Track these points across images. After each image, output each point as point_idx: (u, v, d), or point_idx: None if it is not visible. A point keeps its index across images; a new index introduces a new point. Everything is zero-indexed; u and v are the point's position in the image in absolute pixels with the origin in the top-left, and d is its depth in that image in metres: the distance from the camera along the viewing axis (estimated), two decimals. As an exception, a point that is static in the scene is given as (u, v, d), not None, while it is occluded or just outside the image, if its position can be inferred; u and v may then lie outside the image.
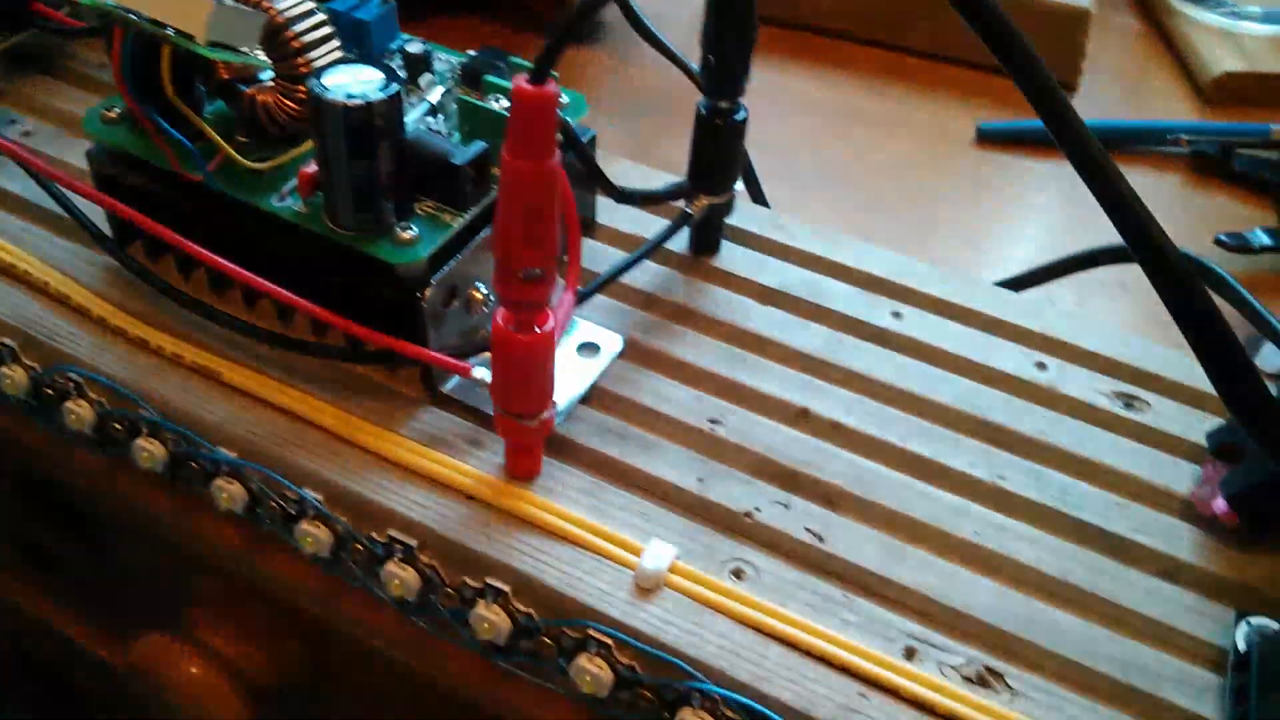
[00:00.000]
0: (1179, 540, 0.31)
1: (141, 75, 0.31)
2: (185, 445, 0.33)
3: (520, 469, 0.31)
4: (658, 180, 0.39)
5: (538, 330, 0.28)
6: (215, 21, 0.28)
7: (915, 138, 0.51)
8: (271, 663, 0.38)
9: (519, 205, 0.26)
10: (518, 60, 0.36)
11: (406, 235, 0.31)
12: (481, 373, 0.31)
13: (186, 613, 0.38)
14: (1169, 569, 0.31)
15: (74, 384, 0.35)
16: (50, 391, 0.35)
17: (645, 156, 0.48)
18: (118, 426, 0.34)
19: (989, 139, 0.51)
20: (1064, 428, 0.34)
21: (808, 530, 0.31)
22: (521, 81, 0.25)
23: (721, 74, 0.34)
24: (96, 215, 0.36)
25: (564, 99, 0.36)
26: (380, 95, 0.29)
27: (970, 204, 0.48)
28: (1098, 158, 0.26)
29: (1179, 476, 0.33)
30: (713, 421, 0.33)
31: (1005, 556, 0.30)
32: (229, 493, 0.32)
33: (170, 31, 0.28)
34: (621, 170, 0.41)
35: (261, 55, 0.31)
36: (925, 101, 0.53)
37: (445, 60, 0.37)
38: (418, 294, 0.32)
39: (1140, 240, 0.26)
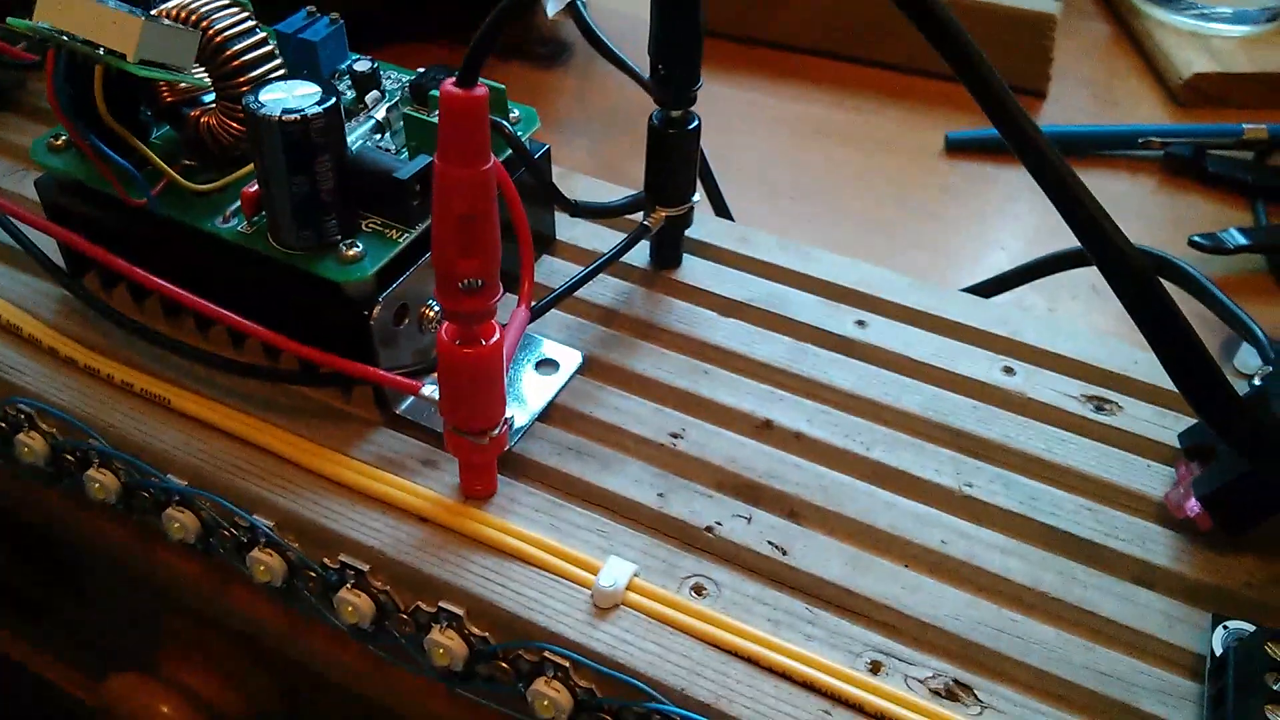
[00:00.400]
0: (1153, 544, 0.30)
1: (79, 98, 0.30)
2: (135, 474, 0.32)
3: (474, 488, 0.30)
4: (619, 195, 0.39)
5: (484, 343, 0.27)
6: (146, 40, 0.28)
7: (884, 149, 0.51)
8: (243, 697, 0.37)
9: (452, 214, 0.25)
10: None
11: (351, 252, 0.31)
12: (431, 390, 0.30)
13: (157, 651, 0.37)
14: (1143, 574, 0.30)
15: (25, 415, 0.34)
16: (3, 425, 0.35)
17: (613, 177, 0.47)
18: (69, 458, 0.34)
19: (958, 148, 0.51)
20: (1033, 432, 0.33)
21: (770, 544, 0.30)
22: (448, 85, 0.24)
23: (671, 82, 0.34)
24: (49, 246, 0.35)
25: (514, 113, 0.35)
26: (316, 109, 0.29)
27: (940, 213, 0.47)
28: (1044, 153, 0.25)
29: (1152, 479, 0.32)
30: (673, 435, 0.32)
31: (973, 565, 0.30)
32: (180, 522, 0.32)
33: (101, 51, 0.28)
34: (583, 186, 0.40)
35: (198, 74, 0.30)
36: (895, 113, 0.52)
37: (395, 79, 0.37)
38: (365, 312, 0.31)
39: (1091, 235, 0.25)
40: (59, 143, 0.34)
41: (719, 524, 0.30)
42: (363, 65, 0.36)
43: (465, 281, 0.26)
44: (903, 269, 0.38)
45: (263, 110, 0.28)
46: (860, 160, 0.50)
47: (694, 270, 0.38)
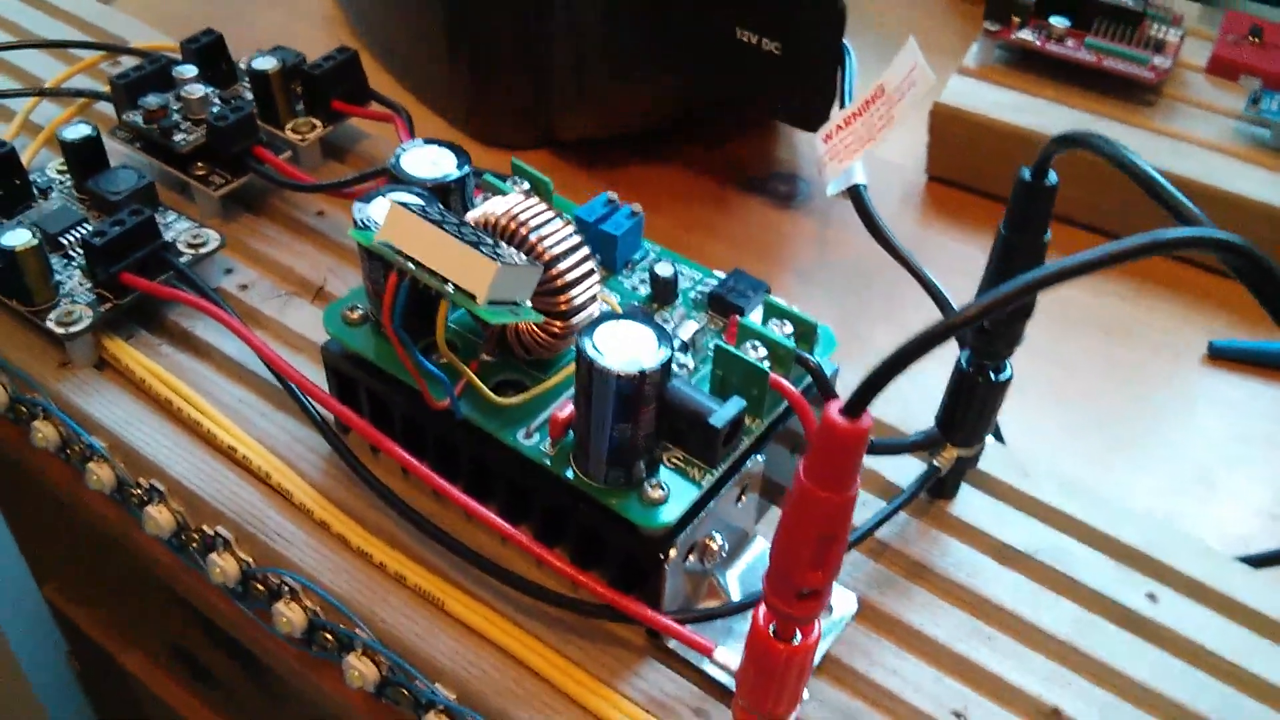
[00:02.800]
0: None
1: (404, 310, 0.30)
2: (399, 674, 0.32)
3: (753, 764, 0.29)
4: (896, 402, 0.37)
5: (801, 640, 0.26)
6: (498, 283, 0.27)
7: (1140, 345, 0.48)
8: None
9: (813, 532, 0.24)
10: (774, 300, 0.34)
11: (656, 494, 0.30)
12: (725, 657, 0.29)
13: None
14: None
15: (288, 588, 0.34)
16: (261, 588, 0.35)
17: (857, 347, 0.46)
18: (328, 637, 0.33)
19: (1221, 356, 0.48)
20: (1343, 761, 0.31)
21: None
22: (834, 412, 0.23)
23: (996, 339, 0.32)
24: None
25: (818, 336, 0.34)
26: (654, 365, 0.28)
27: (1197, 429, 0.45)
28: None
29: None
30: (955, 714, 0.31)
31: None
32: (441, 733, 0.31)
33: (451, 288, 0.27)
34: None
35: (532, 309, 0.30)
36: (1155, 304, 0.50)
37: (690, 278, 0.36)
38: (660, 555, 0.30)
39: None
40: (354, 316, 0.34)
41: (1007, 833, 0.29)
42: (664, 270, 0.35)
43: (805, 590, 0.25)
44: (1155, 489, 0.36)
45: (600, 362, 0.27)
46: (1114, 355, 0.48)
47: (970, 505, 0.36)
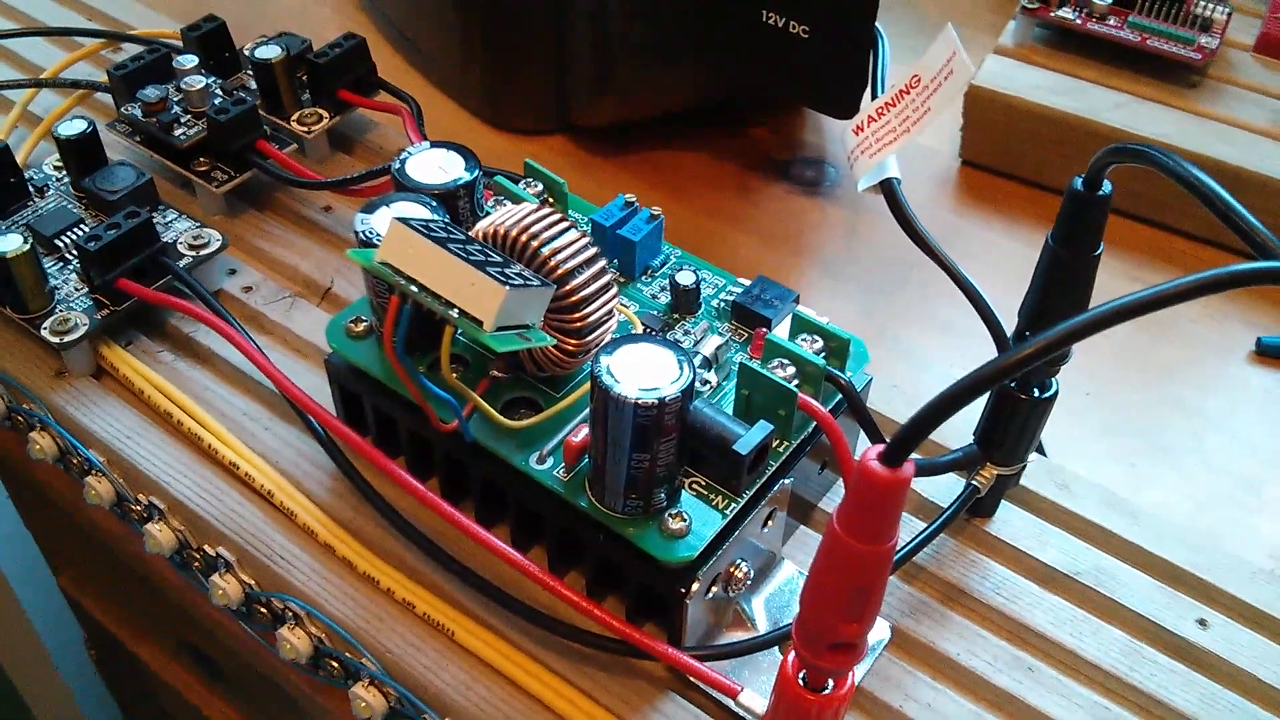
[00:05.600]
0: None
1: (408, 332, 0.28)
2: (408, 707, 0.30)
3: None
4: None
5: (833, 691, 0.25)
6: (506, 307, 0.25)
7: (1183, 341, 0.46)
8: None
9: (846, 585, 0.22)
10: (803, 313, 0.32)
11: (676, 525, 0.28)
12: (751, 700, 0.27)
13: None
14: None
15: (293, 614, 0.32)
16: (264, 611, 0.33)
17: (885, 344, 0.44)
18: (335, 665, 0.32)
19: (1270, 353, 0.46)
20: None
21: None
22: (873, 460, 0.21)
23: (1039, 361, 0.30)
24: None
25: (849, 351, 0.32)
26: (674, 392, 0.26)
27: (1242, 433, 0.43)
28: None
29: None
30: (995, 753, 0.29)
31: None
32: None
33: (456, 314, 0.25)
34: (888, 397, 0.37)
35: (544, 332, 0.28)
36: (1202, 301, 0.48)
37: (714, 285, 0.34)
38: (681, 589, 0.28)
39: None
40: (359, 329, 0.32)
41: None
42: (685, 278, 0.33)
43: (839, 642, 0.23)
44: (1204, 499, 0.34)
45: (616, 389, 0.26)
46: (1155, 352, 0.46)
47: (1010, 524, 0.34)
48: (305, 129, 0.43)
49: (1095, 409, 0.42)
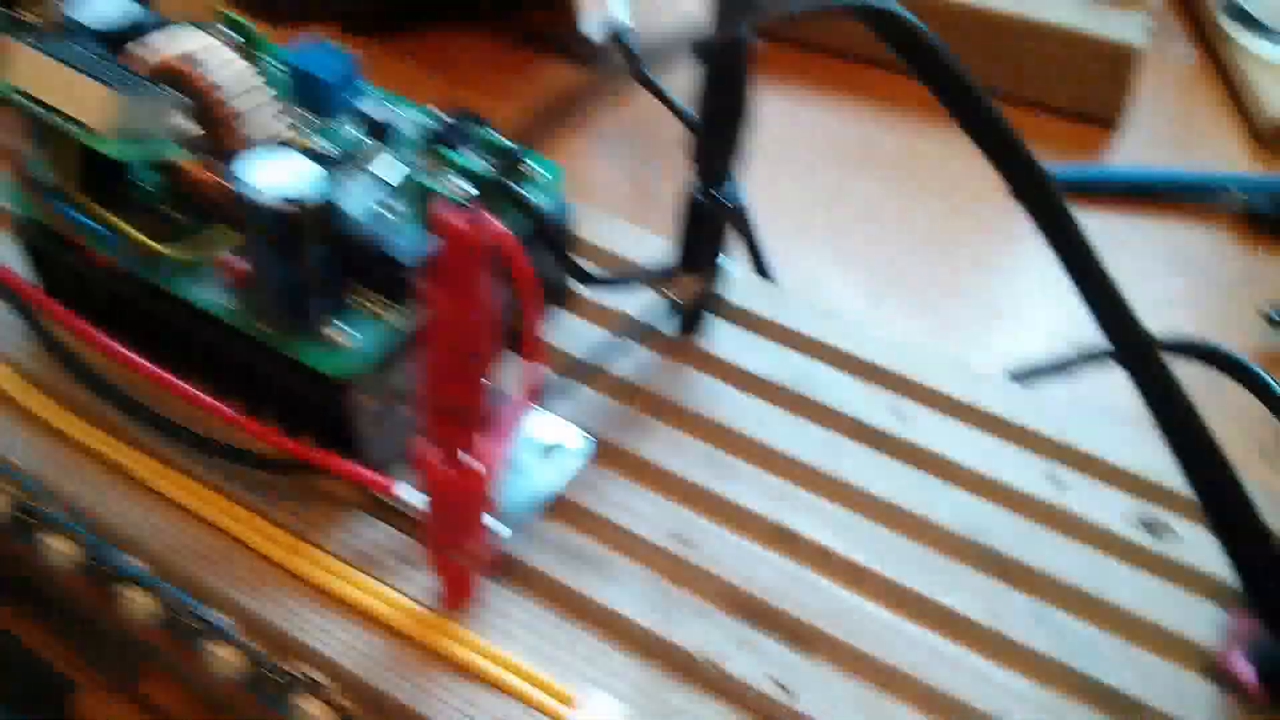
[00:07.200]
0: (1196, 704, 0.27)
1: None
2: (96, 552, 0.31)
3: (451, 599, 0.28)
4: (650, 245, 0.36)
5: (469, 464, 0.25)
6: (127, 112, 0.25)
7: (943, 184, 0.47)
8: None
9: (446, 347, 0.23)
10: (490, 134, 0.32)
11: (338, 338, 0.28)
12: (404, 491, 0.28)
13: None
14: (1183, 739, 0.27)
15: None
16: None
17: (647, 206, 0.45)
18: (29, 518, 0.32)
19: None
20: (1075, 559, 0.30)
21: (773, 680, 0.27)
22: (447, 213, 0.21)
23: (710, 156, 0.31)
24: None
25: (539, 170, 0.32)
26: (312, 197, 0.26)
27: (1001, 268, 0.44)
28: (1056, 209, 0.23)
29: (1203, 622, 0.29)
30: (681, 540, 0.30)
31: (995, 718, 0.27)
32: (141, 603, 0.30)
33: (75, 128, 0.25)
34: (609, 231, 0.37)
35: (179, 149, 0.28)
36: (958, 141, 0.49)
37: (411, 121, 0.34)
38: (346, 400, 0.29)
39: (1116, 331, 0.23)
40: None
41: (719, 652, 0.28)
42: (378, 112, 0.33)
43: (453, 407, 0.24)
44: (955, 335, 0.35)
45: (249, 191, 0.26)
46: (912, 196, 0.47)
47: (723, 339, 0.35)
48: None
49: (857, 258, 0.43)
